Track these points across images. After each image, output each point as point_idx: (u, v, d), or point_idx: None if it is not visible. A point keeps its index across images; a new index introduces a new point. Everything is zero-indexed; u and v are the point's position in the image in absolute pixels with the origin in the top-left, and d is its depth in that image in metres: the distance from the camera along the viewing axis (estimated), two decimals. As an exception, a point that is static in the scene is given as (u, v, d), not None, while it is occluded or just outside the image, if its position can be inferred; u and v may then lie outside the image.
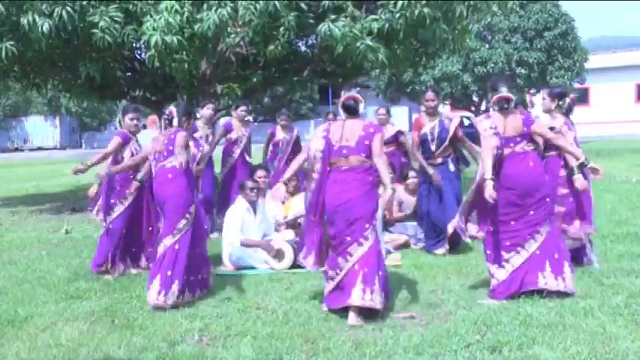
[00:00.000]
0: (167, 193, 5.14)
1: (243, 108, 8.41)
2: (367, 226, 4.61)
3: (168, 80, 11.40)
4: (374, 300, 4.47)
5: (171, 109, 5.42)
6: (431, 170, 6.68)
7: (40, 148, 42.05)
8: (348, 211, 4.62)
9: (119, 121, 6.37)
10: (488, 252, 4.97)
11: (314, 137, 4.89)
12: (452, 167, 6.78)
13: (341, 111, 4.91)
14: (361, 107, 4.87)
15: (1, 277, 6.20)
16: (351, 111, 4.86)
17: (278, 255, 6.24)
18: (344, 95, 4.88)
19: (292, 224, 7.07)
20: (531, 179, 4.86)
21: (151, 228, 6.15)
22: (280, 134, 8.86)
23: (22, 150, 42.11)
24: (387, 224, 7.27)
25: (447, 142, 6.68)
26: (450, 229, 6.49)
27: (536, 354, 3.72)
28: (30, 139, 43.56)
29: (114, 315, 4.82)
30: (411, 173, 7.40)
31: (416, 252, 6.81)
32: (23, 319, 4.77)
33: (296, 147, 8.82)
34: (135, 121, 6.23)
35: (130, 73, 12.41)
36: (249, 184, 6.59)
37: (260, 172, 7.26)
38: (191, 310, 4.87)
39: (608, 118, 33.95)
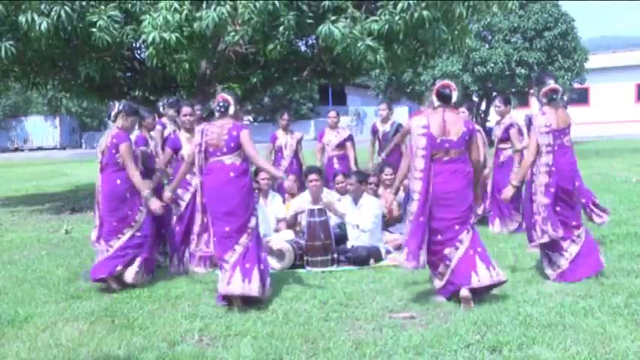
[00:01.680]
0: (231, 192, 5.01)
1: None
2: (471, 212, 4.89)
3: (167, 80, 11.40)
4: (497, 275, 4.73)
5: (225, 96, 5.20)
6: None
7: (40, 148, 42.04)
8: (455, 199, 4.74)
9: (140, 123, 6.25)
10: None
11: (413, 134, 4.79)
12: None
13: (435, 99, 4.85)
14: (454, 96, 4.83)
15: (1, 277, 6.21)
16: (447, 99, 4.81)
17: (278, 255, 6.24)
18: (439, 82, 4.89)
19: (292, 223, 7.07)
20: (574, 172, 5.29)
21: (163, 231, 6.20)
22: (282, 137, 8.72)
23: (22, 150, 42.10)
24: (387, 224, 7.27)
25: None
26: None
27: (536, 354, 3.72)
28: (30, 139, 43.55)
29: (114, 315, 4.82)
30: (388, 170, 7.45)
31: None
32: (23, 319, 4.77)
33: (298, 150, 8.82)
34: (188, 117, 6.28)
35: (129, 73, 12.42)
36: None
37: (262, 174, 7.26)
38: (191, 310, 4.87)
39: (608, 118, 33.91)
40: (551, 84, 5.20)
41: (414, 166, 4.76)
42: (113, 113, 5.68)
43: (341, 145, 8.73)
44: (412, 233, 4.75)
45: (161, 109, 7.49)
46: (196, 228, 5.36)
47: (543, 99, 5.22)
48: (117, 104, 5.76)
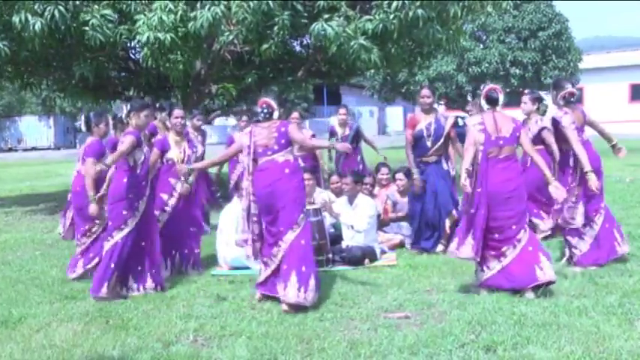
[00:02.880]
0: (285, 188, 5.03)
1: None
2: (526, 211, 5.21)
3: (162, 80, 11.38)
4: (549, 273, 4.89)
5: (268, 101, 5.20)
6: (416, 174, 6.66)
7: (34, 149, 41.82)
8: (511, 198, 4.98)
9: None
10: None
11: (471, 132, 5.08)
12: (445, 166, 6.79)
13: (484, 102, 5.22)
14: (501, 98, 5.20)
15: (-5, 277, 6.18)
16: (494, 101, 5.17)
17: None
18: (486, 87, 5.27)
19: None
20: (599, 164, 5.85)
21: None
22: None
23: (16, 150, 41.87)
24: (382, 224, 7.27)
25: (442, 139, 6.68)
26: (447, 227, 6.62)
27: (530, 353, 3.73)
28: (24, 139, 43.30)
29: (108, 315, 4.81)
30: (398, 175, 7.35)
31: (411, 252, 6.80)
32: (17, 319, 4.75)
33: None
34: (179, 120, 6.28)
35: (124, 73, 12.40)
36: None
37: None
38: (186, 310, 4.86)
39: (601, 118, 33.52)
40: (569, 88, 5.68)
41: (470, 161, 5.06)
42: (124, 116, 5.59)
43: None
44: (467, 225, 5.05)
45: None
46: (243, 235, 5.31)
47: (561, 101, 5.72)
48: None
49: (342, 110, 9.22)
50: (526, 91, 7.85)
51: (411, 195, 6.94)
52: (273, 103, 5.20)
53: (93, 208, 5.70)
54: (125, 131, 5.59)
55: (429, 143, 6.67)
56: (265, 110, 5.19)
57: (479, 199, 4.96)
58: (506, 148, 5.03)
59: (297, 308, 4.76)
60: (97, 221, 5.97)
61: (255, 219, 5.15)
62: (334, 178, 7.50)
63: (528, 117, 7.02)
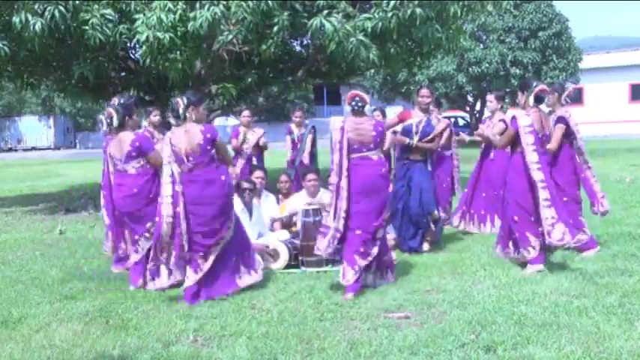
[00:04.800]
0: (383, 186, 5.25)
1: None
2: None
3: (162, 80, 11.37)
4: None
5: (361, 94, 5.23)
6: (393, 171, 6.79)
7: (34, 149, 41.85)
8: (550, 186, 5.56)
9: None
10: None
11: (522, 134, 5.52)
12: (429, 167, 6.82)
13: (531, 100, 5.70)
14: (547, 98, 5.92)
15: (-5, 277, 6.18)
16: (541, 101, 5.79)
17: (273, 255, 6.23)
18: (537, 87, 5.71)
19: (287, 223, 7.06)
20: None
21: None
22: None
23: (16, 150, 41.90)
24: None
25: (428, 138, 6.69)
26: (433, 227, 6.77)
27: (530, 353, 3.72)
28: (24, 139, 43.32)
29: (108, 315, 4.81)
30: None
31: (400, 252, 6.77)
32: (17, 319, 4.75)
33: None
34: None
35: (123, 73, 12.38)
36: (245, 184, 6.57)
37: (257, 173, 7.26)
38: (186, 310, 4.86)
39: (601, 118, 34.04)
40: (539, 86, 5.79)
41: (530, 160, 5.48)
42: (181, 110, 5.18)
43: None
44: (560, 212, 5.44)
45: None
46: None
47: (568, 99, 6.27)
48: (179, 101, 5.17)
49: (297, 113, 9.54)
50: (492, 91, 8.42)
51: (392, 194, 6.93)
52: (366, 96, 5.25)
53: None
54: (206, 128, 5.27)
55: (415, 139, 6.67)
56: (359, 102, 5.22)
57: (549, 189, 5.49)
58: (545, 143, 5.67)
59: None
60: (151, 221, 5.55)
61: (344, 215, 5.15)
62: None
63: (492, 114, 7.78)
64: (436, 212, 6.68)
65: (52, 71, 11.23)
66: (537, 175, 5.45)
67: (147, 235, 5.60)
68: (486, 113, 10.14)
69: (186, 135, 5.16)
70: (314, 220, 6.14)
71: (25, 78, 11.50)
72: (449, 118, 9.05)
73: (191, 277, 5.14)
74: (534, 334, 4.01)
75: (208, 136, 5.17)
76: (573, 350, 3.72)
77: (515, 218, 5.67)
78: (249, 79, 11.16)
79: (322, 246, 5.20)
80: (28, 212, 11.03)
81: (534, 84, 5.75)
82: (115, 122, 5.59)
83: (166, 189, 5.17)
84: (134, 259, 5.69)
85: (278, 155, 11.92)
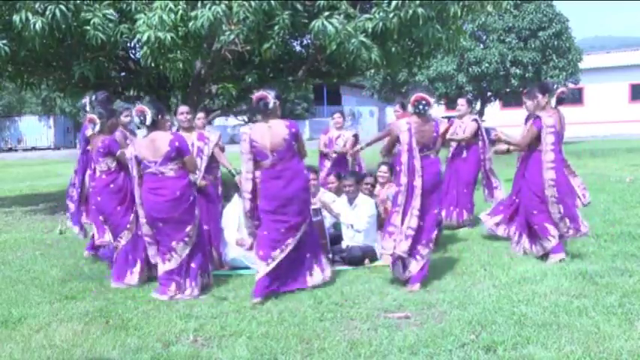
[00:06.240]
0: (440, 180, 5.57)
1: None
2: None
3: (162, 80, 11.37)
4: None
5: (426, 96, 5.32)
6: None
7: (34, 149, 41.83)
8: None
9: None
10: None
11: (545, 133, 5.83)
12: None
13: (554, 101, 6.13)
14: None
15: (-5, 277, 6.18)
16: (562, 102, 6.17)
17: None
18: (559, 89, 6.17)
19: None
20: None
21: None
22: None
23: (16, 150, 41.88)
24: (382, 224, 7.26)
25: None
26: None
27: (530, 353, 3.72)
28: (24, 139, 43.31)
29: (108, 315, 4.81)
30: (381, 168, 7.40)
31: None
32: (17, 319, 4.75)
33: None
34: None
35: (124, 73, 12.39)
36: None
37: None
38: (186, 311, 4.86)
39: (601, 118, 34.02)
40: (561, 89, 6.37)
41: (546, 159, 5.80)
42: (271, 105, 5.17)
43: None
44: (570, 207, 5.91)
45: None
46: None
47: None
48: (269, 94, 5.21)
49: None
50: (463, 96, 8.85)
51: None
52: (431, 99, 5.33)
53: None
54: (290, 123, 5.31)
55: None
56: (424, 104, 5.30)
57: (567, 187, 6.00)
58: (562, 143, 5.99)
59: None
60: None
61: (418, 213, 5.28)
62: (331, 178, 7.52)
63: (462, 117, 8.12)
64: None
65: (52, 71, 11.23)
66: (548, 174, 5.82)
67: (186, 239, 5.29)
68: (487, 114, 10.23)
69: (270, 130, 5.19)
70: (314, 219, 6.14)
71: (25, 78, 11.50)
72: (448, 118, 9.02)
73: (262, 270, 5.15)
74: (534, 334, 4.01)
75: (293, 130, 5.22)
76: (573, 350, 3.72)
77: (535, 212, 6.01)
78: (250, 79, 11.17)
79: (389, 246, 5.35)
80: (28, 212, 11.03)
81: (555, 86, 6.17)
82: (149, 120, 5.25)
83: (247, 185, 5.24)
84: (168, 267, 5.30)
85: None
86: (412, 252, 5.33)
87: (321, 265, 5.46)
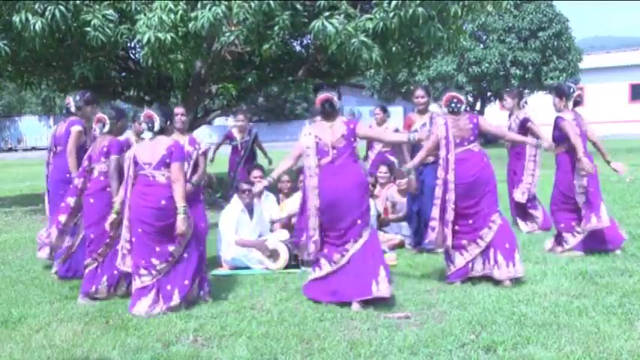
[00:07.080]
0: (487, 176, 5.44)
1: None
2: None
3: (162, 80, 11.38)
4: None
5: (459, 96, 5.51)
6: (412, 175, 6.55)
7: (34, 148, 41.85)
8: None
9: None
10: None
11: (571, 130, 6.01)
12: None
13: (571, 104, 6.25)
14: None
15: (-5, 277, 6.18)
16: (579, 103, 6.36)
17: (273, 255, 6.23)
18: (576, 91, 6.23)
19: (287, 224, 7.05)
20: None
21: None
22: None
23: (16, 150, 41.91)
24: (382, 224, 7.26)
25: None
26: None
27: (530, 353, 3.73)
28: (24, 139, 43.34)
29: (108, 315, 4.81)
30: (381, 168, 7.43)
31: (411, 252, 6.81)
32: (17, 319, 4.75)
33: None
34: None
35: (124, 73, 12.38)
36: (244, 185, 6.56)
37: (256, 172, 7.24)
38: (186, 311, 4.86)
39: (602, 118, 34.00)
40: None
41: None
42: (337, 106, 5.20)
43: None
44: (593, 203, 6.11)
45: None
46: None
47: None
48: (333, 95, 5.15)
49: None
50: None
51: (409, 195, 6.93)
52: (462, 97, 5.54)
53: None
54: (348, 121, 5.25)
55: (423, 143, 6.61)
56: (458, 105, 5.50)
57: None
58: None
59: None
60: None
61: (453, 206, 5.34)
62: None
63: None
64: None
65: (52, 71, 11.23)
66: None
67: (169, 259, 4.95)
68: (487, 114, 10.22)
69: (331, 128, 5.18)
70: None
71: (25, 78, 11.50)
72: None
73: (324, 269, 5.05)
74: (534, 334, 4.01)
75: (352, 127, 5.18)
76: (573, 350, 3.73)
77: (560, 209, 6.34)
78: (249, 79, 11.17)
79: (430, 238, 5.49)
80: (28, 212, 11.03)
81: (572, 89, 6.25)
82: (157, 127, 5.09)
83: (312, 181, 5.15)
84: (140, 285, 4.95)
85: (278, 155, 11.89)
86: (456, 245, 5.42)
87: (387, 274, 4.97)
